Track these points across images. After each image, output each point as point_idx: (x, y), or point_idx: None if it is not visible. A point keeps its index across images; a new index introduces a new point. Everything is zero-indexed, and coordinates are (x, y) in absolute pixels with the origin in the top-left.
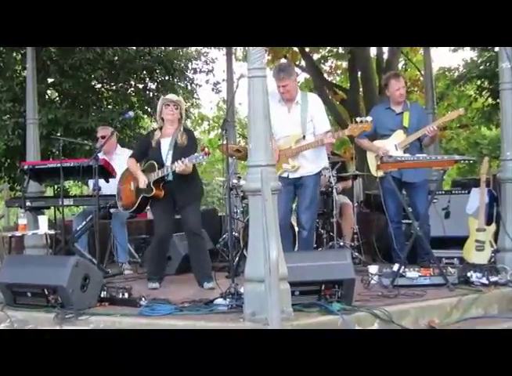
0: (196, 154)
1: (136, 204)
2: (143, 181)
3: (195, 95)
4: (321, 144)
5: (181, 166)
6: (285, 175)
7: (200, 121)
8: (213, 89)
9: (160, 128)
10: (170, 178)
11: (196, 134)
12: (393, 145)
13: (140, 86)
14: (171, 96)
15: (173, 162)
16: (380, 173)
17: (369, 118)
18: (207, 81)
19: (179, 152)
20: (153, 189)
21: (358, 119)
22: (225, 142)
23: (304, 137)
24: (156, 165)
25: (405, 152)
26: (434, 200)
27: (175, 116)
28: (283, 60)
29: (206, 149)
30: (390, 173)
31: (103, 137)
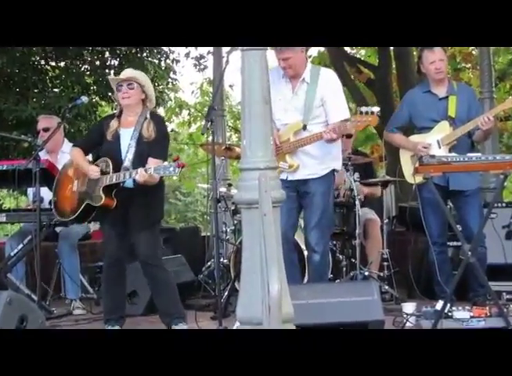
0: (165, 164)
1: (77, 212)
2: (95, 170)
3: (171, 75)
4: (320, 139)
5: (144, 176)
6: (283, 176)
7: (178, 110)
8: (195, 66)
9: (119, 116)
10: (129, 184)
11: (173, 126)
12: (435, 141)
13: (97, 62)
14: (123, 73)
15: (135, 163)
16: (419, 179)
17: (375, 108)
18: (187, 55)
19: (145, 148)
20: (102, 197)
21: (362, 109)
22: (210, 137)
23: (304, 127)
24: (110, 164)
25: (450, 150)
26: (492, 216)
27: (132, 99)
28: None
29: (180, 160)
30: (431, 179)
31: (46, 130)
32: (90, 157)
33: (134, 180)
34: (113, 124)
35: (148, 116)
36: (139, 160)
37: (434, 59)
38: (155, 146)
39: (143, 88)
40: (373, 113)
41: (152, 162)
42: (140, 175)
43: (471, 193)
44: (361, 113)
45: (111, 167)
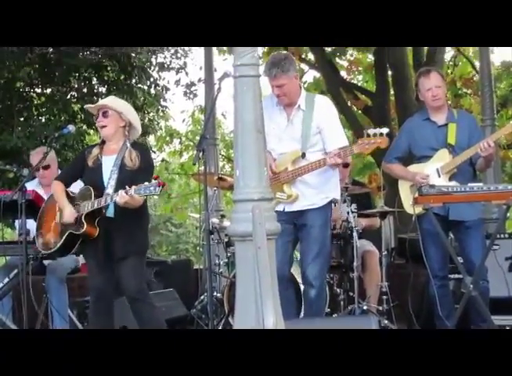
0: (146, 184)
1: (60, 243)
2: (68, 213)
3: (161, 101)
4: (323, 165)
5: (124, 197)
6: (280, 208)
7: (168, 139)
8: (185, 93)
9: (102, 143)
10: (110, 214)
11: (164, 156)
12: (434, 169)
13: (85, 89)
14: (100, 102)
15: (117, 190)
16: (418, 209)
17: (384, 130)
18: (177, 83)
19: (128, 177)
20: (83, 224)
21: (370, 131)
22: (202, 167)
23: (303, 155)
24: (92, 192)
25: (451, 179)
26: (495, 247)
27: (109, 127)
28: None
29: (159, 179)
30: (431, 209)
31: (46, 167)
32: (78, 185)
33: (115, 207)
34: (95, 151)
35: (128, 145)
36: (122, 188)
37: (431, 85)
38: (139, 175)
39: (121, 115)
40: (382, 134)
41: None
42: (120, 196)
43: (472, 223)
44: (368, 135)
45: (93, 194)
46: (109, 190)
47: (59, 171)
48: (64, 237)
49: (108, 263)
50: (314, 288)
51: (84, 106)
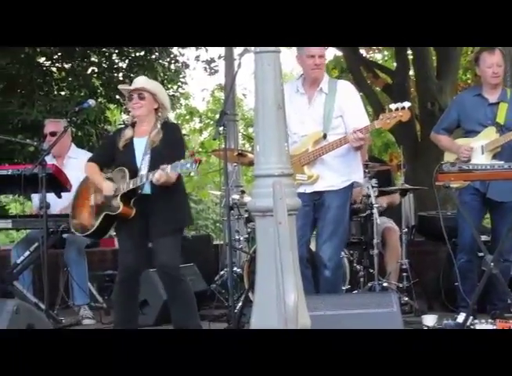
0: (182, 161)
1: (96, 226)
2: (109, 187)
3: (181, 78)
4: (344, 143)
5: (161, 175)
6: (301, 190)
7: (188, 117)
8: (205, 69)
9: (133, 125)
10: (147, 191)
11: (185, 132)
12: (479, 146)
13: (105, 65)
14: (135, 82)
15: (151, 170)
16: (458, 183)
17: (406, 104)
18: (197, 59)
19: (160, 157)
20: (120, 205)
21: (392, 106)
22: (223, 144)
23: (324, 136)
24: (127, 173)
25: (494, 157)
26: None
27: (143, 109)
28: None
29: (196, 155)
30: (473, 184)
31: (53, 134)
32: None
33: (151, 186)
34: (127, 133)
35: (159, 126)
36: (155, 168)
37: (493, 62)
38: (170, 153)
39: (155, 97)
40: (403, 108)
41: None
42: (157, 175)
43: (509, 205)
44: (390, 110)
45: (128, 175)
46: (143, 171)
47: (72, 144)
48: (100, 219)
49: (143, 241)
50: (328, 269)
51: (119, 86)
